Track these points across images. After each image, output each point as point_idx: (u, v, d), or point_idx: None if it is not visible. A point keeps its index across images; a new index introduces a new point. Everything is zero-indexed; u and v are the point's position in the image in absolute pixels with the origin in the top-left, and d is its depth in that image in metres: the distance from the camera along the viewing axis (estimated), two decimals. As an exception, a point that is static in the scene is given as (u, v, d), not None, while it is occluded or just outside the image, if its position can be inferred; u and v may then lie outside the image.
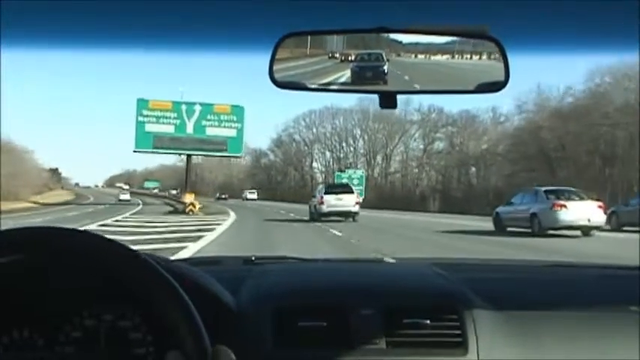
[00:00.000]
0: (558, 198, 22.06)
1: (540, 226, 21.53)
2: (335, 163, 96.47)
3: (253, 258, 2.27)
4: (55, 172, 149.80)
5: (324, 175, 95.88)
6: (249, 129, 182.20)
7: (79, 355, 1.40)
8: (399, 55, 1.65)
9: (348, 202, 32.08)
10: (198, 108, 49.92)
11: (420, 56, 1.65)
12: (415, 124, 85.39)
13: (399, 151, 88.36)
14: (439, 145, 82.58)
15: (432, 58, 1.65)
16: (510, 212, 23.89)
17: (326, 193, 33.03)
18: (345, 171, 74.26)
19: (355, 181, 60.61)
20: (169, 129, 49.43)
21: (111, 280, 1.34)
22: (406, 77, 1.68)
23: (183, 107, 49.71)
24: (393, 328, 1.58)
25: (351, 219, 31.64)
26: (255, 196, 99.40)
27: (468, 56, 1.67)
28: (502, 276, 2.16)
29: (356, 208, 32.22)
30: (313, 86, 1.67)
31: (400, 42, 1.65)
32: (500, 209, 25.06)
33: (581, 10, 1.63)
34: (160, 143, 49.64)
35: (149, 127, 49.16)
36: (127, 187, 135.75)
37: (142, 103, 49.52)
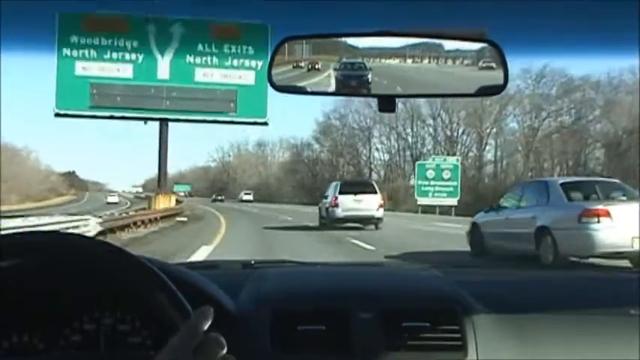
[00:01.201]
0: (587, 198, 12.00)
1: (557, 254, 11.45)
2: (403, 150, 73.04)
3: (252, 262, 2.27)
4: (69, 175, 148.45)
5: (388, 168, 74.85)
6: (287, 118, 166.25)
7: (78, 359, 1.41)
8: (398, 59, 1.64)
9: (370, 204, 25.03)
10: (178, 30, 26.15)
11: (418, 60, 1.65)
12: (519, 92, 57.40)
13: (492, 132, 62.98)
14: (558, 121, 57.63)
15: (430, 61, 1.65)
16: (498, 223, 13.42)
17: (341, 192, 25.58)
18: (431, 159, 50.68)
19: (446, 175, 45.80)
20: (124, 72, 27.07)
21: (110, 284, 1.34)
22: (404, 81, 1.67)
23: (151, 29, 25.61)
24: (392, 332, 1.57)
25: (372, 226, 24.81)
26: (250, 197, 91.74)
27: (468, 60, 1.67)
28: (501, 279, 2.16)
29: (379, 213, 25.12)
30: (312, 90, 1.67)
31: (398, 45, 1.64)
32: (480, 217, 14.48)
33: (579, 13, 1.63)
34: (102, 99, 27.15)
35: (82, 69, 27.27)
36: (115, 191, 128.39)
37: (67, 21, 25.75)
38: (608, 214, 11.05)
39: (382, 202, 26.15)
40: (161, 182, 33.74)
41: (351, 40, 1.66)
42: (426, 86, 1.70)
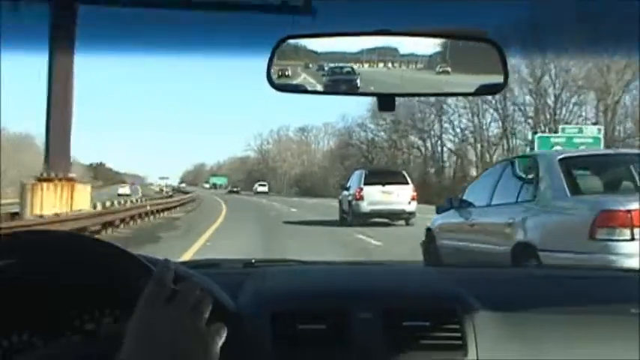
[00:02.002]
0: (611, 188, 6.49)
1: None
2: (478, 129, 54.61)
3: (253, 261, 2.27)
4: (94, 167, 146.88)
5: (479, 151, 54.51)
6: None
7: (78, 358, 1.40)
8: (398, 58, 1.65)
9: (401, 197, 21.91)
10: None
11: (419, 59, 1.66)
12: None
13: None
14: None
15: (429, 61, 1.66)
16: (457, 228, 8.20)
17: (366, 183, 22.40)
18: (560, 130, 33.76)
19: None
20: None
21: (110, 283, 1.35)
22: (404, 80, 1.68)
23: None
24: (392, 331, 1.57)
25: (402, 222, 22.07)
26: (266, 189, 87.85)
27: (467, 59, 1.69)
28: (501, 278, 2.15)
29: (412, 207, 22.07)
30: (312, 89, 1.68)
31: (398, 45, 1.65)
32: (436, 218, 9.16)
33: (580, 13, 1.63)
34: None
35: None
36: (126, 184, 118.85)
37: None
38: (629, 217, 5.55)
39: (414, 194, 22.74)
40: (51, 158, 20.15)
41: (350, 41, 1.67)
42: (426, 85, 1.71)
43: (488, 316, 1.63)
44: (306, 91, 1.68)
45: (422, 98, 45.47)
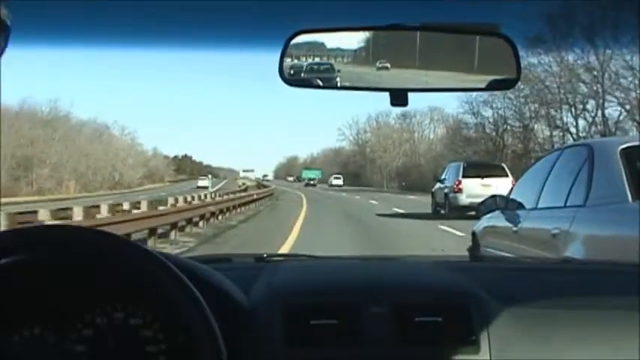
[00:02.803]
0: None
1: None
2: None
3: (265, 255, 2.28)
4: (178, 160, 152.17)
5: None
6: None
7: (90, 353, 1.41)
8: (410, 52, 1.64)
9: (501, 190, 14.66)
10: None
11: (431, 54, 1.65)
12: None
13: None
14: None
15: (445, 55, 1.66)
16: (503, 234, 6.40)
17: (465, 175, 21.98)
18: None
19: None
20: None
21: (122, 277, 1.35)
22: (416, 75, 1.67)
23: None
24: (404, 327, 1.57)
25: None
26: (340, 182, 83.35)
27: (480, 54, 1.66)
28: (513, 274, 2.12)
29: None
30: (324, 84, 1.68)
31: (412, 40, 1.64)
32: (483, 221, 7.45)
33: (590, 8, 1.58)
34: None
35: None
36: (205, 177, 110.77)
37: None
38: None
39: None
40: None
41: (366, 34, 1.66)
42: (439, 80, 1.69)
43: (500, 312, 1.62)
44: (318, 86, 1.68)
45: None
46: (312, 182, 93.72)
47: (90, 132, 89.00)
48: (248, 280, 1.73)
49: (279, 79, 1.63)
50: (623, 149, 4.83)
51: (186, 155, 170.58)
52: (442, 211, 22.15)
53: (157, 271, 1.30)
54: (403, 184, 76.66)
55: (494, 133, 55.09)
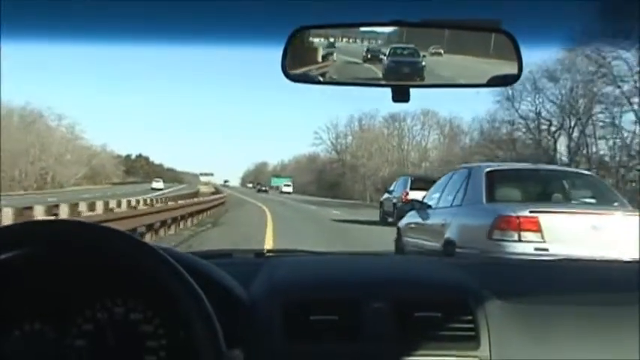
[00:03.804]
0: (528, 198, 7.77)
1: None
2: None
3: (265, 251, 2.28)
4: (135, 161, 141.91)
5: None
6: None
7: (90, 348, 1.41)
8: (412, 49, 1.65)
9: None
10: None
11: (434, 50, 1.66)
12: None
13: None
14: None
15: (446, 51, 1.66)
16: (415, 228, 9.58)
17: (412, 188, 23.84)
18: None
19: None
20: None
21: (123, 272, 1.35)
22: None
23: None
24: (404, 322, 1.58)
25: None
26: (290, 189, 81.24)
27: (481, 50, 1.68)
28: (513, 271, 2.13)
29: None
30: (325, 80, 1.68)
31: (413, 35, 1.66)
32: (405, 218, 10.36)
33: (594, 4, 1.60)
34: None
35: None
36: (160, 179, 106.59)
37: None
38: (537, 226, 6.64)
39: None
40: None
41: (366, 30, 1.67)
42: (440, 76, 1.70)
43: (500, 308, 1.63)
44: (319, 82, 1.68)
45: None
46: (264, 189, 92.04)
47: (18, 120, 77.00)
48: (248, 276, 1.73)
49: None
50: (486, 172, 7.92)
51: (140, 155, 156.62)
52: (390, 219, 23.98)
53: (157, 266, 1.30)
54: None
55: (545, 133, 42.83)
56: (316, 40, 1.67)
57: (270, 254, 2.25)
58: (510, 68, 1.64)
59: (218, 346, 1.24)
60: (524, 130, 44.17)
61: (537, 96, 42.38)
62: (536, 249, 6.51)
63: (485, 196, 7.55)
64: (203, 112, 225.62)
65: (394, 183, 28.28)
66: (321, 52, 1.67)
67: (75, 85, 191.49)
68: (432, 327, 1.57)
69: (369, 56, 1.66)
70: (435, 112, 73.58)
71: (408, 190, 24.09)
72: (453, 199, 8.30)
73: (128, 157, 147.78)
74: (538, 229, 6.64)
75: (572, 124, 40.24)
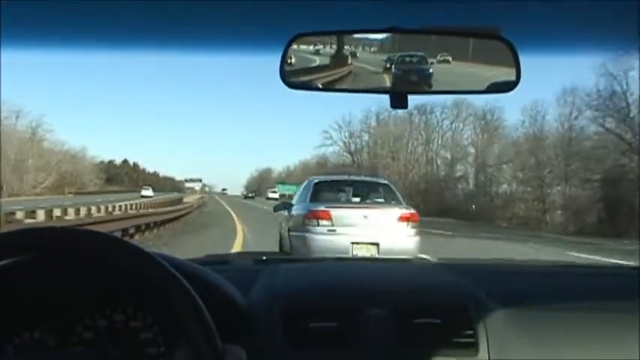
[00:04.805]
0: (338, 199, 11.61)
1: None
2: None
3: (264, 257, 2.28)
4: (118, 167, 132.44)
5: None
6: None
7: (90, 356, 1.40)
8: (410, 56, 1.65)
9: None
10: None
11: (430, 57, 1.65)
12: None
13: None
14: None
15: (444, 58, 1.66)
16: (283, 219, 13.09)
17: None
18: None
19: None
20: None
21: (122, 279, 1.34)
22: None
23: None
24: (403, 329, 1.58)
25: None
26: (276, 195, 75.31)
27: (479, 57, 1.68)
28: (511, 276, 2.12)
29: None
30: (324, 87, 1.68)
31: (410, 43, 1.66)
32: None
33: (592, 11, 1.59)
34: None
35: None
36: (149, 187, 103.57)
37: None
38: (328, 216, 10.58)
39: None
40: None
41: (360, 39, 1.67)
42: (439, 83, 1.69)
43: (499, 314, 1.63)
44: (317, 89, 1.68)
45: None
46: (250, 195, 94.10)
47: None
48: (247, 282, 1.73)
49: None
50: (314, 182, 11.88)
51: (126, 161, 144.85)
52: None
53: (155, 273, 1.29)
54: (473, 207, 50.64)
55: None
56: (313, 47, 1.67)
57: (269, 261, 2.24)
58: (509, 75, 1.64)
59: (217, 353, 1.23)
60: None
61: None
62: (329, 230, 10.48)
63: (310, 198, 11.37)
64: (204, 118, 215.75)
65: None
66: (318, 59, 1.68)
67: (49, 81, 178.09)
68: (431, 333, 1.57)
69: (387, 65, 1.66)
70: (470, 103, 61.38)
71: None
72: (298, 199, 12.30)
73: (111, 162, 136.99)
74: (329, 218, 10.56)
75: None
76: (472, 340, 1.57)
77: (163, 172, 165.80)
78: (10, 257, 1.27)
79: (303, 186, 12.82)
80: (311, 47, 1.66)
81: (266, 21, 1.78)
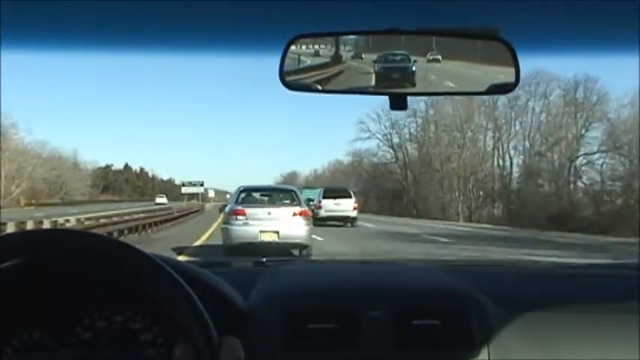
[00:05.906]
0: (261, 201, 16.15)
1: (225, 243, 15.65)
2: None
3: (264, 259, 2.27)
4: (116, 173, 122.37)
5: None
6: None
7: (89, 357, 1.41)
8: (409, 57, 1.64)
9: (346, 206, 32.29)
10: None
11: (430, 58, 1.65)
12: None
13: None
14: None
15: (443, 59, 1.65)
16: None
17: (324, 197, 32.95)
18: None
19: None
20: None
21: (122, 281, 1.35)
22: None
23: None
24: (402, 330, 1.58)
25: (349, 224, 31.66)
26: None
27: (479, 58, 1.67)
28: (510, 277, 2.12)
29: (354, 213, 32.44)
30: (324, 88, 1.68)
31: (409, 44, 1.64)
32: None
33: (592, 11, 1.57)
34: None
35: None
36: (163, 195, 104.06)
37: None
38: (243, 213, 14.75)
39: (357, 205, 33.49)
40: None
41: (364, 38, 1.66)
42: (437, 84, 1.69)
43: (498, 315, 1.63)
44: (317, 90, 1.68)
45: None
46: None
47: None
48: (247, 284, 1.73)
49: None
50: (241, 190, 16.04)
51: (127, 166, 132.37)
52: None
53: (155, 275, 1.29)
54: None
55: None
56: (312, 48, 1.67)
57: (269, 263, 2.24)
58: (508, 76, 1.63)
59: (216, 355, 1.22)
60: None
61: None
62: (244, 223, 14.50)
63: (235, 200, 15.43)
64: (213, 123, 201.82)
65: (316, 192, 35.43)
66: (317, 60, 1.67)
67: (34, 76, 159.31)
68: (431, 335, 1.57)
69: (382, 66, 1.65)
70: (554, 74, 46.85)
71: (321, 198, 32.70)
72: (231, 201, 16.04)
73: (108, 167, 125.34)
74: (244, 214, 14.59)
75: None
76: (472, 341, 1.57)
77: (178, 179, 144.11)
78: (10, 259, 1.27)
79: (234, 192, 16.98)
80: (310, 48, 1.66)
81: (266, 21, 1.78)
